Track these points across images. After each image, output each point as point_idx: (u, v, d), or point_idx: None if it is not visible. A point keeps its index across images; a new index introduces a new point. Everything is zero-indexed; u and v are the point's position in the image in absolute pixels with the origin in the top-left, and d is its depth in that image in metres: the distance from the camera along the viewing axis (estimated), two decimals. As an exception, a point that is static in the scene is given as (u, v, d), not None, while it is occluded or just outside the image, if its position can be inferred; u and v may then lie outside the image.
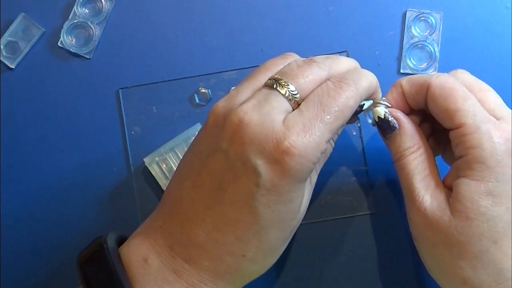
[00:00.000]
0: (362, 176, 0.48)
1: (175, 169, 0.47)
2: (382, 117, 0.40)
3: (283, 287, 0.48)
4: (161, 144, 0.48)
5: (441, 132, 0.42)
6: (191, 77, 0.50)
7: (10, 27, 0.50)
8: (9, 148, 0.50)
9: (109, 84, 0.50)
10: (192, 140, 0.41)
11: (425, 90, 0.40)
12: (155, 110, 0.50)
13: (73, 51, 0.50)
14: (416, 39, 0.49)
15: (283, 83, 0.37)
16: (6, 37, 0.50)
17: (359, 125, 0.49)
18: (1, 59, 0.50)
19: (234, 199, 0.36)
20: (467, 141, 0.37)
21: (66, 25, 0.50)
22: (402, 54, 0.49)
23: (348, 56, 0.49)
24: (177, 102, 0.49)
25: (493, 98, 0.40)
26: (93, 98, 0.50)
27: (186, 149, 0.47)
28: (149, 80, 0.50)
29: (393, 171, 0.48)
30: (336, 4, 0.50)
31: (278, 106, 0.36)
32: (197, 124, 0.49)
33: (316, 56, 0.39)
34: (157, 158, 0.48)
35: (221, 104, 0.38)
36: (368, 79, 0.39)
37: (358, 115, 0.41)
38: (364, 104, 0.40)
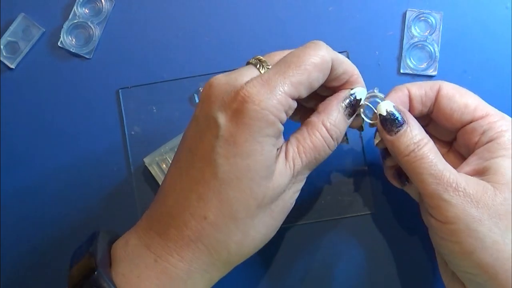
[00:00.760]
0: (362, 176, 0.48)
1: (175, 169, 0.47)
2: (390, 111, 0.40)
3: (283, 287, 0.48)
4: (161, 144, 0.48)
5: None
6: (191, 77, 0.50)
7: (10, 27, 0.50)
8: (9, 148, 0.50)
9: (109, 84, 0.50)
10: None
11: (435, 92, 0.41)
12: (155, 110, 0.50)
13: (73, 51, 0.50)
14: (416, 39, 0.49)
15: (264, 64, 0.38)
16: (6, 37, 0.50)
17: (359, 125, 0.49)
18: (1, 59, 0.50)
19: (200, 157, 0.36)
20: (498, 126, 0.40)
21: (66, 25, 0.50)
22: (402, 54, 0.49)
23: (348, 56, 0.49)
24: (177, 102, 0.49)
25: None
26: (93, 98, 0.50)
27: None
28: (149, 80, 0.50)
29: (393, 171, 0.48)
30: (336, 4, 0.50)
31: (247, 73, 0.37)
32: (197, 124, 0.49)
33: None
34: (157, 158, 0.48)
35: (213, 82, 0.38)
36: (335, 53, 0.39)
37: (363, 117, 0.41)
38: (355, 94, 0.40)
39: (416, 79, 0.49)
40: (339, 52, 0.49)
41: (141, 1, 0.50)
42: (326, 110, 0.39)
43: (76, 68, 0.50)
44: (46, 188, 0.49)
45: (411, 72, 0.49)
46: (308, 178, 0.48)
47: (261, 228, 0.38)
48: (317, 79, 0.38)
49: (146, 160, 0.48)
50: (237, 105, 0.35)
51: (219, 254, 0.37)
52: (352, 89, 0.40)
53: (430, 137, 0.40)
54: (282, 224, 0.48)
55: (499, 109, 0.48)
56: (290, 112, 0.37)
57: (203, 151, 0.36)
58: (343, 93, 0.40)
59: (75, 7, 0.50)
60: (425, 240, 0.48)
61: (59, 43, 0.50)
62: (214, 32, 0.50)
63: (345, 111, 0.40)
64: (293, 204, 0.39)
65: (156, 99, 0.50)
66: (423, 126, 0.41)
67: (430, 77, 0.49)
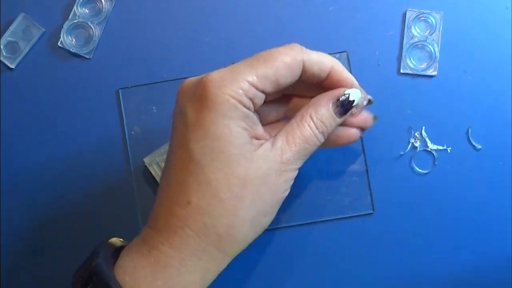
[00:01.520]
0: (362, 176, 0.48)
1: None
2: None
3: (283, 286, 0.48)
4: (161, 144, 0.48)
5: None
6: (191, 77, 0.49)
7: (10, 27, 0.50)
8: (9, 148, 0.50)
9: (109, 84, 0.50)
10: None
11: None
12: (155, 110, 0.50)
13: (73, 51, 0.50)
14: (416, 39, 0.49)
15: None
16: (6, 37, 0.50)
17: (359, 125, 0.49)
18: (1, 59, 0.50)
19: (176, 148, 0.38)
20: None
21: (66, 25, 0.50)
22: (402, 54, 0.49)
23: (348, 57, 0.49)
24: (177, 102, 0.49)
25: None
26: (93, 98, 0.50)
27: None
28: (149, 80, 0.50)
29: (393, 171, 0.48)
30: (336, 4, 0.50)
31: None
32: (197, 124, 0.49)
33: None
34: (157, 158, 0.48)
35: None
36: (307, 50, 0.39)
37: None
38: (349, 94, 0.40)
39: (416, 79, 0.49)
40: (339, 53, 0.49)
41: (141, 1, 0.50)
42: (315, 104, 0.40)
43: (76, 68, 0.50)
44: (46, 188, 0.49)
45: (411, 72, 0.49)
46: (308, 178, 0.48)
47: (251, 211, 0.37)
48: (285, 76, 0.38)
49: (146, 160, 0.48)
50: (201, 91, 0.36)
51: (208, 238, 0.37)
52: (345, 90, 0.41)
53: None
54: (282, 224, 0.48)
55: (498, 109, 0.48)
56: (258, 102, 0.38)
57: (177, 141, 0.38)
58: (337, 91, 0.41)
59: (75, 7, 0.50)
60: (425, 240, 0.48)
61: (59, 43, 0.50)
62: (214, 32, 0.50)
63: (335, 109, 0.40)
64: (287, 193, 0.39)
65: (156, 99, 0.50)
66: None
67: (430, 77, 0.49)
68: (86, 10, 0.50)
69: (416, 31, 0.49)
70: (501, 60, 0.49)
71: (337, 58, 0.48)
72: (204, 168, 0.37)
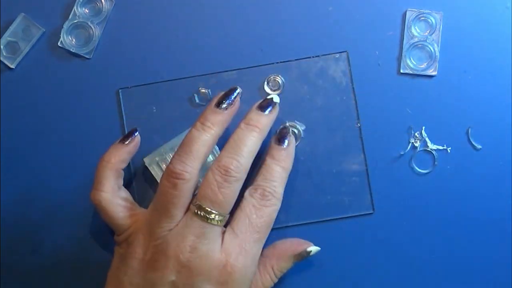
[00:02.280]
0: (362, 176, 0.48)
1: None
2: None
3: (283, 286, 0.48)
4: (161, 144, 0.48)
5: None
6: (191, 77, 0.50)
7: (10, 27, 0.50)
8: (9, 148, 0.50)
9: (109, 84, 0.50)
10: (121, 266, 0.43)
11: None
12: (155, 110, 0.50)
13: (73, 51, 0.50)
14: (416, 39, 0.49)
15: (210, 212, 0.42)
16: (6, 37, 0.50)
17: (359, 125, 0.49)
18: (1, 59, 0.50)
19: None
20: None
21: (66, 25, 0.50)
22: (402, 54, 0.49)
23: (348, 57, 0.49)
24: (177, 102, 0.49)
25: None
26: (93, 98, 0.50)
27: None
28: (149, 80, 0.50)
29: (393, 171, 0.48)
30: (336, 4, 0.50)
31: (213, 236, 0.42)
32: (197, 124, 0.49)
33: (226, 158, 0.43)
34: (157, 158, 0.48)
35: (153, 243, 0.42)
36: (282, 178, 0.44)
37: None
38: (311, 251, 0.46)
39: (416, 79, 0.49)
40: (339, 53, 0.49)
41: (141, 1, 0.50)
42: (278, 257, 0.46)
43: (76, 68, 0.50)
44: (45, 187, 0.49)
45: (411, 72, 0.49)
46: (308, 178, 0.48)
47: None
48: None
49: (146, 160, 0.48)
50: (225, 279, 0.41)
51: None
52: (309, 247, 0.46)
53: None
54: (282, 224, 0.48)
55: (498, 110, 0.48)
56: None
57: None
58: (300, 247, 0.46)
59: (75, 7, 0.50)
60: (425, 240, 0.48)
61: (59, 43, 0.50)
62: (214, 32, 0.50)
63: (295, 260, 0.46)
64: None
65: (156, 99, 0.50)
66: None
67: (430, 77, 0.49)
68: (86, 10, 0.50)
69: (416, 31, 0.49)
70: (501, 60, 0.49)
71: (337, 58, 0.49)
72: None
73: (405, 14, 0.49)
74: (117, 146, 0.45)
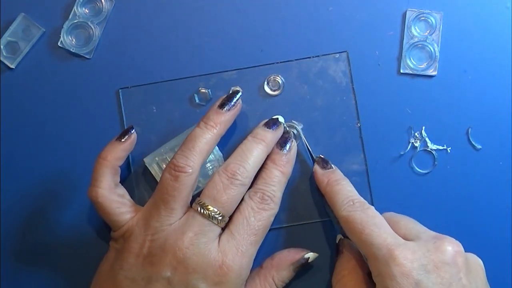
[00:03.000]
0: (362, 176, 0.48)
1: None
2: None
3: (283, 286, 0.48)
4: (161, 144, 0.48)
5: None
6: (191, 77, 0.50)
7: (10, 27, 0.50)
8: (9, 148, 0.50)
9: (109, 84, 0.50)
10: (117, 261, 0.43)
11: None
12: (155, 110, 0.50)
13: (73, 51, 0.50)
14: (416, 39, 0.49)
15: (211, 210, 0.42)
16: (6, 37, 0.50)
17: (359, 125, 0.49)
18: (1, 59, 0.50)
19: None
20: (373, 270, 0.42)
21: (66, 25, 0.50)
22: (402, 54, 0.49)
23: (348, 57, 0.49)
24: (177, 102, 0.49)
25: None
26: (93, 98, 0.50)
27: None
28: (149, 80, 0.50)
29: (393, 171, 0.48)
30: (336, 4, 0.50)
31: (212, 235, 0.42)
32: (197, 124, 0.49)
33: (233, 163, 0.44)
34: (157, 158, 0.48)
35: (150, 237, 0.42)
36: (281, 183, 0.45)
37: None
38: (309, 258, 0.46)
39: (416, 79, 0.49)
40: (339, 53, 0.49)
41: (141, 1, 0.50)
42: (277, 267, 0.46)
43: (76, 68, 0.50)
44: (45, 187, 0.49)
45: (411, 72, 0.49)
46: (308, 178, 0.48)
47: None
48: None
49: (146, 160, 0.48)
50: (221, 279, 0.42)
51: None
52: (307, 254, 0.46)
53: None
54: (282, 224, 0.48)
55: (498, 110, 0.48)
56: None
57: None
58: (298, 255, 0.46)
59: (75, 7, 0.50)
60: (425, 240, 0.48)
61: (59, 43, 0.50)
62: (214, 32, 0.50)
63: (294, 269, 0.46)
64: None
65: (156, 99, 0.50)
66: None
67: (430, 77, 0.49)
68: (86, 10, 0.50)
69: (416, 31, 0.49)
70: (501, 60, 0.49)
71: (337, 58, 0.49)
72: None
73: (405, 14, 0.49)
74: (113, 144, 0.45)
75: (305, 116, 0.49)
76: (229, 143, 0.49)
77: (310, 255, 0.46)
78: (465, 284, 0.40)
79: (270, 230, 0.47)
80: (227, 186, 0.43)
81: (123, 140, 0.46)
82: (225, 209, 0.43)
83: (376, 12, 0.49)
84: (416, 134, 0.48)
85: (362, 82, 0.49)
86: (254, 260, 0.44)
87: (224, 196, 0.43)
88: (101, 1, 0.50)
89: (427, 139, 0.48)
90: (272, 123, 0.46)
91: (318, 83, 0.49)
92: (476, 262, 0.42)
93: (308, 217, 0.48)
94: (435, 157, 0.48)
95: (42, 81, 0.50)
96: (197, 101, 0.49)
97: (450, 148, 0.48)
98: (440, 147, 0.48)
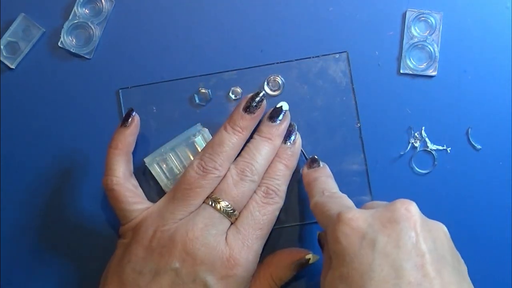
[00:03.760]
0: (362, 176, 0.48)
1: (175, 169, 0.47)
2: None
3: (283, 286, 0.48)
4: (161, 144, 0.48)
5: None
6: (191, 77, 0.50)
7: (10, 27, 0.50)
8: (9, 148, 0.50)
9: (109, 84, 0.50)
10: (125, 255, 0.43)
11: None
12: (155, 110, 0.50)
13: (73, 51, 0.50)
14: (416, 39, 0.49)
15: (223, 204, 0.43)
16: (6, 37, 0.50)
17: (359, 125, 0.49)
18: (1, 59, 0.50)
19: None
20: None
21: (66, 25, 0.50)
22: (402, 54, 0.49)
23: (348, 57, 0.49)
24: (177, 102, 0.49)
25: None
26: (93, 98, 0.50)
27: (186, 149, 0.47)
28: (149, 80, 0.50)
29: (393, 171, 0.48)
30: (336, 4, 0.50)
31: (222, 228, 0.43)
32: (197, 124, 0.49)
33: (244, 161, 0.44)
34: (157, 158, 0.48)
35: (162, 228, 0.43)
36: (285, 177, 0.45)
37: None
38: (310, 258, 0.46)
39: (416, 79, 0.49)
40: (339, 53, 0.49)
41: (141, 1, 0.50)
42: (277, 265, 0.45)
43: (76, 68, 0.50)
44: (45, 187, 0.49)
45: (411, 72, 0.49)
46: (308, 178, 0.48)
47: None
48: None
49: (146, 160, 0.48)
50: (228, 272, 0.42)
51: None
52: (308, 254, 0.45)
53: None
54: (282, 224, 0.48)
55: (498, 110, 0.48)
56: None
57: None
58: (299, 255, 0.46)
59: (75, 7, 0.50)
60: (425, 240, 0.48)
61: (59, 43, 0.50)
62: (214, 32, 0.50)
63: (294, 268, 0.45)
64: None
65: (156, 99, 0.50)
66: None
67: (430, 77, 0.49)
68: (86, 10, 0.50)
69: (416, 31, 0.49)
70: (501, 60, 0.49)
71: (337, 58, 0.49)
72: None
73: (405, 14, 0.49)
74: (119, 131, 0.46)
75: (305, 116, 0.49)
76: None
77: (311, 256, 0.46)
78: (418, 242, 0.36)
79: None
80: (237, 182, 0.44)
81: (127, 124, 0.46)
82: (236, 203, 0.43)
83: (376, 12, 0.49)
84: (416, 134, 0.48)
85: (362, 82, 0.49)
86: None
87: (234, 190, 0.43)
88: (101, 1, 0.50)
89: (427, 139, 0.48)
90: (276, 115, 0.46)
91: (318, 83, 0.49)
92: (438, 226, 0.39)
93: (308, 217, 0.48)
94: (435, 157, 0.48)
95: (42, 81, 0.50)
96: (197, 101, 0.49)
97: (450, 148, 0.48)
98: (440, 147, 0.48)
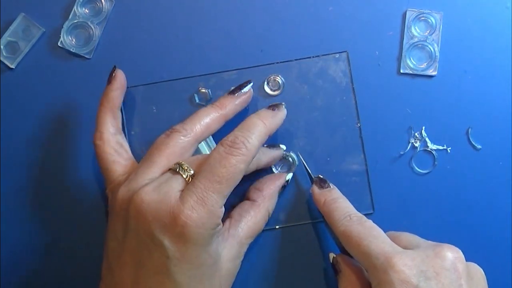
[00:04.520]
0: (362, 176, 0.48)
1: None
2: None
3: (284, 286, 0.48)
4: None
5: None
6: (191, 77, 0.50)
7: (10, 27, 0.50)
8: (9, 148, 0.50)
9: (109, 84, 0.50)
10: (107, 223, 0.43)
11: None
12: (155, 110, 0.50)
13: (73, 51, 0.50)
14: (416, 39, 0.49)
15: (186, 167, 0.41)
16: (6, 37, 0.50)
17: (359, 125, 0.49)
18: (1, 59, 0.50)
19: (155, 271, 0.40)
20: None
21: (66, 25, 0.50)
22: (402, 54, 0.49)
23: (348, 57, 0.49)
24: (177, 102, 0.49)
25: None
26: (93, 98, 0.50)
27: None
28: (149, 80, 0.50)
29: (393, 171, 0.48)
30: (336, 4, 0.50)
31: (175, 185, 0.40)
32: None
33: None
34: (157, 158, 0.48)
35: (123, 189, 0.42)
36: (261, 133, 0.42)
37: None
38: (289, 178, 0.48)
39: (416, 79, 0.49)
40: (339, 53, 0.49)
41: (141, 1, 0.50)
42: (270, 197, 0.46)
43: (76, 68, 0.50)
44: (45, 187, 0.49)
45: (411, 72, 0.49)
46: (308, 178, 0.48)
47: None
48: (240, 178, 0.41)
49: (146, 160, 0.48)
50: (180, 229, 0.39)
51: None
52: (287, 174, 0.48)
53: None
54: (282, 224, 0.48)
55: (498, 110, 0.48)
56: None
57: (157, 267, 0.39)
58: (281, 179, 0.47)
59: (75, 7, 0.50)
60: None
61: (59, 43, 0.50)
62: (214, 32, 0.50)
63: (279, 192, 0.47)
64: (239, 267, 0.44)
65: (156, 99, 0.50)
66: None
67: (430, 77, 0.49)
68: (86, 10, 0.50)
69: (416, 31, 0.49)
70: (501, 60, 0.49)
71: (337, 58, 0.49)
72: None
73: (405, 14, 0.49)
74: (105, 89, 0.47)
75: (305, 116, 0.49)
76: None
77: (289, 176, 0.48)
78: None
79: (269, 230, 0.48)
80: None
81: (111, 82, 0.46)
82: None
83: (376, 12, 0.49)
84: (416, 134, 0.48)
85: (362, 82, 0.49)
86: (246, 257, 0.44)
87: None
88: (101, 1, 0.50)
89: (427, 139, 0.48)
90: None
91: (318, 83, 0.49)
92: (478, 270, 0.42)
93: (308, 217, 0.48)
94: (435, 157, 0.48)
95: (42, 81, 0.50)
96: (197, 101, 0.49)
97: (450, 148, 0.48)
98: (440, 147, 0.48)
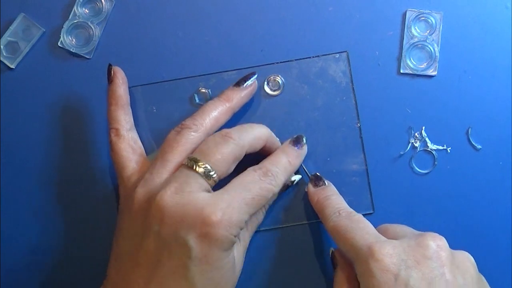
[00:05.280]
0: (362, 176, 0.48)
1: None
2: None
3: (283, 286, 0.48)
4: (161, 144, 0.48)
5: None
6: (191, 77, 0.50)
7: (10, 27, 0.50)
8: (9, 148, 0.50)
9: (109, 84, 0.50)
10: (118, 221, 0.44)
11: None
12: (155, 110, 0.50)
13: (73, 51, 0.50)
14: (416, 39, 0.49)
15: (201, 164, 0.41)
16: (6, 37, 0.50)
17: (359, 125, 0.49)
18: (1, 59, 0.50)
19: (172, 271, 0.40)
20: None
21: (66, 25, 0.50)
22: (402, 54, 0.49)
23: (348, 57, 0.49)
24: (177, 102, 0.49)
25: None
26: (93, 98, 0.50)
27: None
28: (149, 80, 0.50)
29: (393, 171, 0.48)
30: (336, 4, 0.50)
31: (196, 186, 0.41)
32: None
33: (231, 129, 0.44)
34: (157, 158, 0.48)
35: (140, 190, 0.42)
36: (287, 170, 0.44)
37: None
38: (295, 181, 0.47)
39: (416, 79, 0.49)
40: (339, 53, 0.49)
41: (141, 1, 0.50)
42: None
43: (76, 68, 0.50)
44: (45, 187, 0.49)
45: (411, 72, 0.49)
46: (308, 178, 0.48)
47: None
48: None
49: (146, 160, 0.48)
50: (207, 229, 0.39)
51: None
52: (295, 175, 0.47)
53: None
54: (282, 224, 0.48)
55: (498, 110, 0.48)
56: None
57: (175, 267, 0.40)
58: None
59: (75, 7, 0.50)
60: (425, 240, 0.48)
61: (59, 43, 0.50)
62: (214, 32, 0.50)
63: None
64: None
65: (156, 99, 0.50)
66: None
67: (430, 77, 0.49)
68: (86, 10, 0.50)
69: (416, 31, 0.49)
70: (501, 60, 0.49)
71: (337, 58, 0.49)
72: None
73: (405, 14, 0.49)
74: (109, 88, 0.47)
75: (305, 116, 0.49)
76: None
77: (296, 177, 0.47)
78: (449, 279, 0.38)
79: (269, 230, 0.48)
80: (219, 144, 0.42)
81: (113, 80, 0.47)
82: (216, 165, 0.42)
83: (376, 12, 0.49)
84: (416, 134, 0.48)
85: (362, 82, 0.49)
86: (246, 257, 0.44)
87: (215, 152, 0.42)
88: (101, 1, 0.50)
89: (427, 139, 0.48)
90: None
91: (318, 83, 0.49)
92: (466, 258, 0.41)
93: (307, 217, 0.48)
94: (435, 157, 0.48)
95: (42, 81, 0.50)
96: (197, 101, 0.49)
97: (450, 148, 0.48)
98: (440, 147, 0.48)
